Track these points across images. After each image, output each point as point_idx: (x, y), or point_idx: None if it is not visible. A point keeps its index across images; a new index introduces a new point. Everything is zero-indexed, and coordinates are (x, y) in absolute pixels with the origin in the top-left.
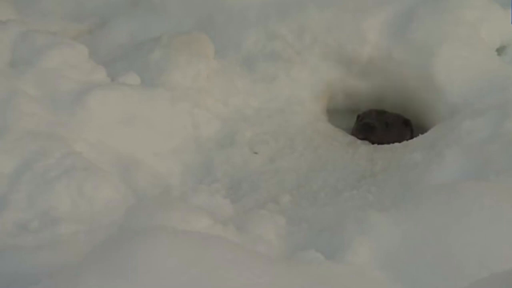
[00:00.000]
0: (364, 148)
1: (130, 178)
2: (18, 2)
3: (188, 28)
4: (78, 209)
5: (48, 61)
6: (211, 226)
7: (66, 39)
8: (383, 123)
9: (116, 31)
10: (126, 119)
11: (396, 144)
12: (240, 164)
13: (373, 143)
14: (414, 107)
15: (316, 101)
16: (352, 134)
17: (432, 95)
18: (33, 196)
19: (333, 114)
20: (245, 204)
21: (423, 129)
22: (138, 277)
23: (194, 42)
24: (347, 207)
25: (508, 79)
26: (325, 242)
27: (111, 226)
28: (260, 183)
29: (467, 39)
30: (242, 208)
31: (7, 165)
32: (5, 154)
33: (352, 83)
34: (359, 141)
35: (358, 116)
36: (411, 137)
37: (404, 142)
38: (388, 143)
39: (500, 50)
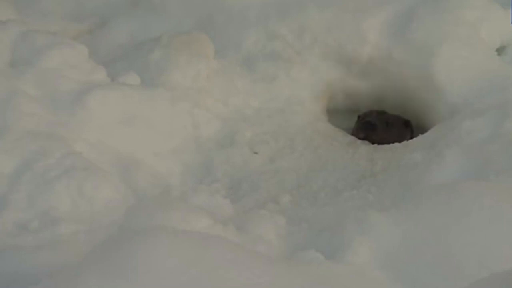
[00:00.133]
0: (364, 148)
1: (130, 178)
2: (18, 2)
3: (188, 28)
4: (78, 209)
5: (48, 61)
6: (211, 226)
7: (66, 39)
8: (383, 122)
9: (116, 31)
10: (126, 119)
11: (396, 144)
12: (240, 164)
13: (373, 142)
14: (414, 107)
15: (316, 101)
16: (353, 134)
17: (432, 95)
18: (33, 196)
19: (333, 114)
20: (245, 204)
21: (423, 129)
22: (138, 277)
23: (194, 42)
24: (347, 207)
25: (508, 79)
26: (325, 242)
27: (111, 226)
28: (260, 183)
29: (467, 39)
30: (242, 208)
31: (7, 165)
32: (5, 154)
33: (352, 83)
34: (359, 141)
35: (359, 117)
36: (411, 138)
37: (404, 142)
38: (388, 143)
39: (500, 50)
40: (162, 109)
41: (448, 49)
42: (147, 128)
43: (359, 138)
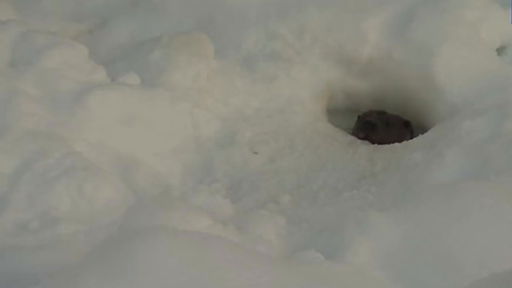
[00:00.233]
0: (364, 148)
1: (130, 178)
2: (18, 2)
3: (188, 28)
4: (78, 209)
5: (48, 61)
6: (211, 226)
7: (66, 39)
8: (383, 122)
9: (116, 31)
10: (126, 119)
11: (396, 144)
12: (240, 164)
13: (373, 142)
14: (414, 107)
15: (316, 101)
16: (353, 134)
17: (432, 95)
18: (33, 196)
19: (333, 114)
20: (245, 204)
21: (423, 129)
22: (138, 277)
23: (194, 42)
24: (347, 207)
25: (508, 79)
26: (325, 242)
27: (111, 226)
28: (260, 183)
29: (467, 39)
30: (242, 208)
31: (7, 165)
32: (5, 154)
33: (352, 83)
34: (359, 141)
35: (359, 117)
36: (411, 138)
37: (404, 142)
38: (389, 143)
39: (500, 50)
40: (162, 109)
41: (448, 49)
42: (147, 128)
43: (359, 138)
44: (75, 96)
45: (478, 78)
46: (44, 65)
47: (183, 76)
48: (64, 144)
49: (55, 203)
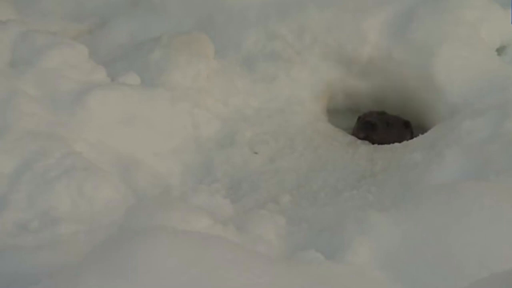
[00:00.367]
0: (364, 148)
1: (130, 178)
2: (18, 2)
3: (188, 28)
4: (78, 209)
5: (48, 61)
6: (211, 226)
7: (66, 39)
8: (384, 122)
9: (116, 31)
10: (126, 119)
11: (396, 144)
12: (240, 164)
13: (373, 142)
14: (414, 107)
15: (316, 101)
16: (353, 134)
17: (432, 95)
18: (33, 196)
19: (333, 114)
20: (245, 204)
21: (423, 129)
22: (138, 277)
23: (194, 42)
24: (347, 207)
25: (508, 79)
26: (325, 242)
27: (111, 226)
28: (260, 183)
29: (467, 39)
30: (242, 208)
31: (7, 165)
32: (5, 154)
33: (352, 83)
34: (359, 141)
35: (359, 118)
36: (411, 139)
37: (404, 142)
38: (389, 143)
39: (500, 50)
40: (162, 109)
41: (448, 49)
42: (147, 128)
43: (359, 138)
44: (75, 96)
45: (478, 78)
46: (44, 65)
47: (183, 76)
48: (64, 144)
49: (55, 203)
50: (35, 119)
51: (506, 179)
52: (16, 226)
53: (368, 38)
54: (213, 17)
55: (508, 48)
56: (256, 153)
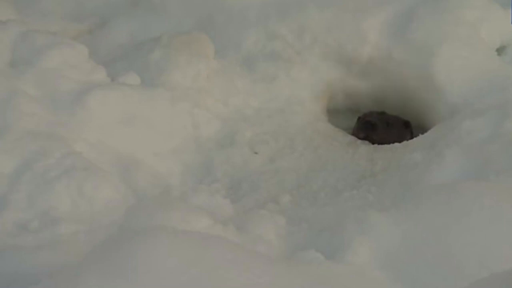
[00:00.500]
0: (364, 148)
1: (130, 178)
2: (18, 2)
3: (188, 28)
4: (78, 209)
5: (48, 61)
6: (211, 226)
7: (66, 39)
8: (384, 122)
9: (116, 31)
10: (126, 119)
11: (396, 144)
12: (240, 164)
13: (373, 142)
14: (414, 107)
15: (316, 101)
16: (353, 134)
17: (432, 95)
18: (33, 196)
19: (333, 114)
20: (245, 204)
21: (423, 129)
22: (138, 277)
23: (194, 42)
24: (347, 207)
25: (508, 79)
26: (325, 242)
27: (111, 226)
28: (260, 183)
29: (467, 39)
30: (242, 208)
31: (7, 165)
32: (5, 154)
33: (352, 83)
34: (359, 141)
35: (359, 118)
36: (411, 139)
37: (404, 142)
38: (389, 143)
39: (500, 50)
40: (162, 109)
41: (448, 49)
42: (147, 128)
43: (359, 138)
44: (75, 96)
45: (478, 78)
46: (44, 65)
47: (183, 76)
48: (64, 144)
49: (55, 203)
50: (35, 119)
51: (506, 179)
52: (16, 226)
53: (368, 38)
54: (213, 17)
55: (508, 48)
56: (256, 153)
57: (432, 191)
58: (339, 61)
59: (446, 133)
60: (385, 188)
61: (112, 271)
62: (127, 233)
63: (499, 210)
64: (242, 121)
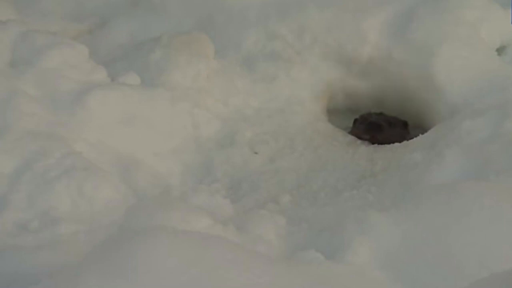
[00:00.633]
0: (364, 148)
1: (130, 178)
2: (18, 2)
3: (188, 28)
4: (78, 209)
5: (48, 61)
6: (211, 226)
7: (66, 39)
8: (387, 122)
9: (116, 31)
10: (126, 119)
11: (396, 144)
12: (240, 164)
13: (379, 143)
14: (414, 107)
15: (316, 101)
16: (356, 135)
17: (432, 95)
18: (33, 196)
19: (333, 114)
20: (245, 204)
21: (423, 129)
22: (138, 277)
23: (194, 42)
24: (347, 207)
25: (508, 79)
26: (325, 242)
27: (111, 226)
28: (260, 183)
29: (467, 39)
30: (242, 208)
31: (7, 165)
32: (5, 154)
33: (352, 83)
34: (359, 141)
35: (355, 120)
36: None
37: (404, 142)
38: (393, 142)
39: (500, 50)
40: (162, 109)
41: (448, 49)
42: (147, 128)
43: (364, 139)
44: (75, 96)
45: (478, 78)
46: (44, 65)
47: (183, 76)
48: (64, 144)
49: (55, 203)
50: (35, 119)
51: (506, 179)
52: (16, 226)
53: (368, 38)
54: (213, 17)
55: (508, 48)
56: (256, 153)
57: (432, 191)
58: (339, 61)
59: (446, 133)
60: (385, 188)
61: (112, 271)
62: (127, 233)
63: (499, 210)
64: (242, 121)
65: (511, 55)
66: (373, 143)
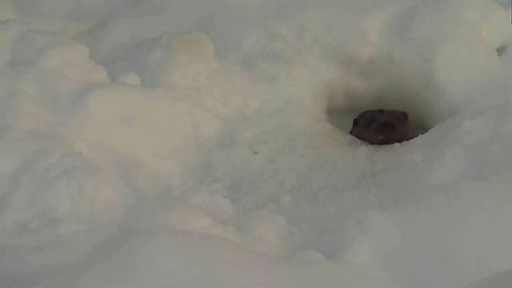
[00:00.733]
0: (364, 148)
1: (130, 178)
2: (18, 2)
3: (188, 28)
4: (78, 209)
5: (48, 61)
6: (211, 226)
7: (66, 39)
8: (396, 119)
9: (116, 31)
10: (126, 119)
11: (396, 144)
12: (240, 164)
13: (393, 141)
14: (414, 107)
15: (316, 101)
16: (364, 138)
17: (432, 95)
18: (33, 196)
19: (333, 114)
20: (245, 204)
21: (423, 129)
22: (138, 277)
23: (194, 42)
24: (347, 207)
25: (508, 79)
26: (325, 242)
27: (111, 226)
28: (260, 183)
29: (467, 39)
30: (242, 208)
31: (7, 165)
32: (5, 154)
33: (352, 83)
34: (359, 141)
35: (355, 120)
36: (412, 129)
37: (404, 142)
38: (405, 139)
39: (500, 50)
40: (162, 109)
41: (448, 49)
42: (147, 128)
43: (377, 140)
44: (75, 96)
45: (478, 78)
46: (44, 65)
47: (183, 76)
48: (64, 144)
49: (55, 203)
50: (35, 119)
51: (506, 179)
52: (16, 226)
53: (368, 38)
54: (213, 17)
55: (508, 48)
56: (256, 153)
57: (432, 191)
58: (339, 61)
59: (446, 133)
60: (385, 188)
61: (112, 271)
62: (127, 233)
63: (499, 210)
64: (242, 121)
65: (511, 55)
66: (393, 142)
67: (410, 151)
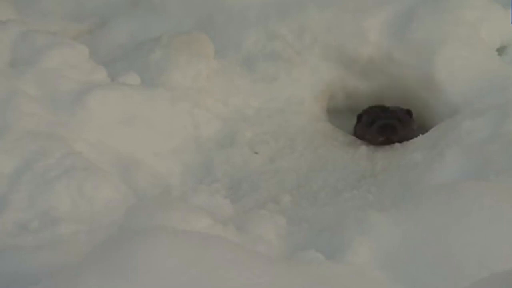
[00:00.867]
0: (364, 148)
1: (130, 178)
2: (18, 2)
3: (188, 28)
4: (78, 209)
5: (48, 61)
6: (211, 226)
7: (66, 39)
8: (397, 120)
9: (116, 31)
10: (126, 119)
11: (396, 144)
12: (240, 164)
13: (394, 142)
14: (414, 107)
15: (316, 101)
16: (365, 138)
17: (432, 95)
18: (33, 196)
19: (333, 114)
20: (245, 204)
21: (423, 129)
22: (138, 277)
23: (194, 42)
24: (347, 207)
25: (508, 79)
26: (325, 242)
27: (111, 226)
28: (260, 183)
29: (467, 39)
30: (242, 208)
31: (7, 165)
32: (5, 154)
33: (352, 83)
34: (359, 141)
35: (359, 116)
36: (417, 127)
37: (404, 142)
38: (409, 138)
39: (500, 50)
40: (162, 109)
41: (448, 49)
42: (147, 128)
43: (378, 142)
44: (75, 96)
45: (478, 78)
46: (44, 65)
47: (183, 76)
48: (64, 144)
49: (55, 203)
50: (35, 119)
51: (506, 179)
52: (16, 226)
53: (368, 38)
54: (213, 17)
55: (508, 48)
56: (256, 153)
57: (432, 191)
58: (339, 61)
59: (446, 133)
60: (385, 188)
61: (112, 271)
62: (127, 233)
63: (499, 210)
64: (242, 121)
65: (511, 55)
66: (394, 143)
67: (410, 151)
